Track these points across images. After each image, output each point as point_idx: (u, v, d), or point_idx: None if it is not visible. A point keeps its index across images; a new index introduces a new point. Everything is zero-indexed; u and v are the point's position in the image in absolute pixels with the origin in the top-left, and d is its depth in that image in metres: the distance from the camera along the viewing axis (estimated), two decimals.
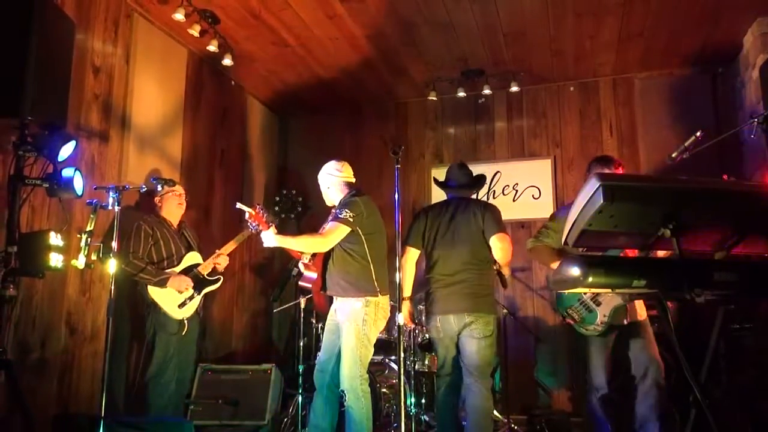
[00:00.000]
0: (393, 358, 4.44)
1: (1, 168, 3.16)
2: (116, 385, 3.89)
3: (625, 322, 3.26)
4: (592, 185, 1.68)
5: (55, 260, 2.80)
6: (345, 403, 3.33)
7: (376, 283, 3.40)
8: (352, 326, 3.34)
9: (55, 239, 2.81)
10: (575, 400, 5.07)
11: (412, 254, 3.65)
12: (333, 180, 3.61)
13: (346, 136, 6.23)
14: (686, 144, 2.76)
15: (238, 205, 3.56)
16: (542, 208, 5.49)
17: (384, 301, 3.44)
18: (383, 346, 4.41)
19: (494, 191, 5.63)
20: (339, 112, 6.25)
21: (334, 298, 3.49)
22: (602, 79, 5.56)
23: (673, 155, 2.80)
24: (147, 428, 3.33)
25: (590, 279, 1.66)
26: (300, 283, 3.73)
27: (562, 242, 1.90)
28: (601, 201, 1.65)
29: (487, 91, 5.46)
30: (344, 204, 3.43)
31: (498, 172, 5.70)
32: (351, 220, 3.34)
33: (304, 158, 6.21)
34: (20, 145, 2.84)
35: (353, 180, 3.66)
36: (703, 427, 1.80)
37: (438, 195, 5.76)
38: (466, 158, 5.71)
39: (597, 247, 2.08)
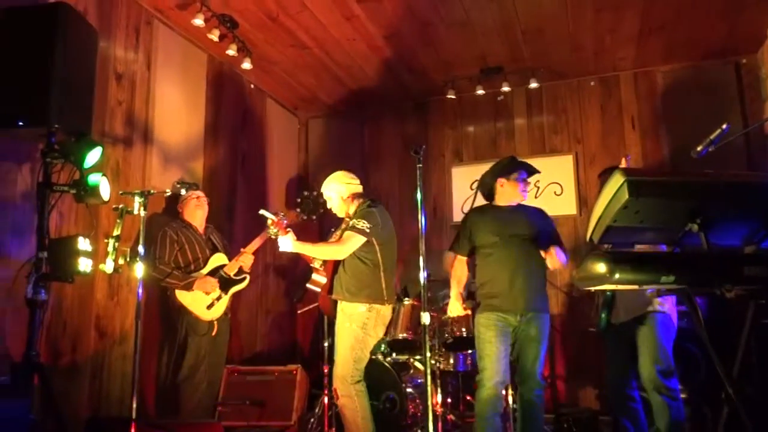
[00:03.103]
0: (418, 357, 4.44)
1: (29, 175, 3.23)
2: (146, 388, 3.95)
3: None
4: (617, 180, 1.67)
5: (84, 265, 2.85)
6: (337, 403, 3.38)
7: (384, 292, 3.45)
8: (352, 326, 3.39)
9: (83, 244, 2.86)
10: (603, 398, 5.02)
11: None
12: (343, 189, 3.65)
13: (366, 137, 6.25)
14: (712, 137, 2.70)
15: (261, 212, 3.64)
16: (565, 205, 5.45)
17: (386, 311, 3.49)
18: (408, 346, 4.41)
19: None
20: (358, 112, 6.27)
21: (338, 301, 3.53)
22: (623, 73, 5.50)
23: (699, 149, 2.75)
24: (177, 430, 3.38)
25: (617, 275, 1.64)
26: (308, 285, 3.79)
27: (587, 239, 1.88)
28: (626, 197, 1.63)
29: (506, 89, 5.43)
30: (361, 215, 3.47)
31: None
32: (368, 230, 3.40)
33: (324, 159, 6.23)
34: (47, 152, 2.89)
35: (361, 189, 3.71)
36: (735, 424, 1.77)
37: (459, 194, 5.77)
38: (486, 156, 5.71)
39: (623, 243, 2.06)
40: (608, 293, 3.44)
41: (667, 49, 5.05)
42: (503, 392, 3.46)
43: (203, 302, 3.86)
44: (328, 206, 3.76)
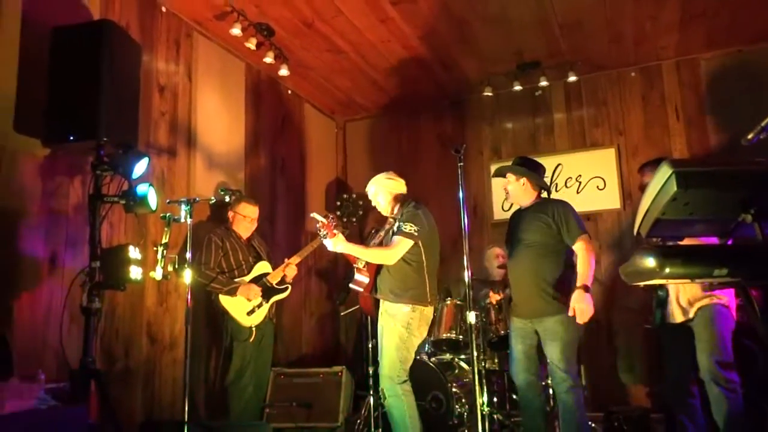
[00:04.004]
0: (462, 357, 4.42)
1: (81, 188, 3.34)
2: (196, 391, 4.03)
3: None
4: (664, 172, 1.63)
5: (135, 273, 2.93)
6: (384, 403, 3.42)
7: (428, 294, 3.48)
8: (398, 326, 3.41)
9: (133, 253, 2.95)
10: (654, 395, 4.90)
11: None
12: (389, 188, 3.66)
13: (403, 138, 6.25)
14: (763, 124, 2.60)
15: (313, 215, 3.67)
16: (608, 199, 5.35)
17: (429, 312, 3.52)
18: (452, 346, 4.39)
19: (556, 184, 5.51)
20: (394, 113, 6.28)
21: (381, 301, 3.55)
22: (665, 62, 5.36)
23: (749, 136, 2.65)
24: None
25: (667, 270, 1.60)
26: (351, 285, 3.81)
27: (634, 233, 1.84)
28: (675, 188, 1.59)
29: (543, 83, 5.37)
30: (408, 217, 3.48)
31: (559, 164, 5.58)
32: (416, 234, 3.42)
33: (362, 162, 6.26)
34: (97, 165, 2.99)
35: (405, 190, 3.73)
36: None
37: (499, 192, 5.71)
38: (525, 152, 5.60)
39: (672, 236, 2.01)
40: (661, 293, 3.36)
41: (710, 35, 4.90)
42: (536, 385, 3.55)
43: (244, 308, 3.93)
44: (373, 204, 3.78)
